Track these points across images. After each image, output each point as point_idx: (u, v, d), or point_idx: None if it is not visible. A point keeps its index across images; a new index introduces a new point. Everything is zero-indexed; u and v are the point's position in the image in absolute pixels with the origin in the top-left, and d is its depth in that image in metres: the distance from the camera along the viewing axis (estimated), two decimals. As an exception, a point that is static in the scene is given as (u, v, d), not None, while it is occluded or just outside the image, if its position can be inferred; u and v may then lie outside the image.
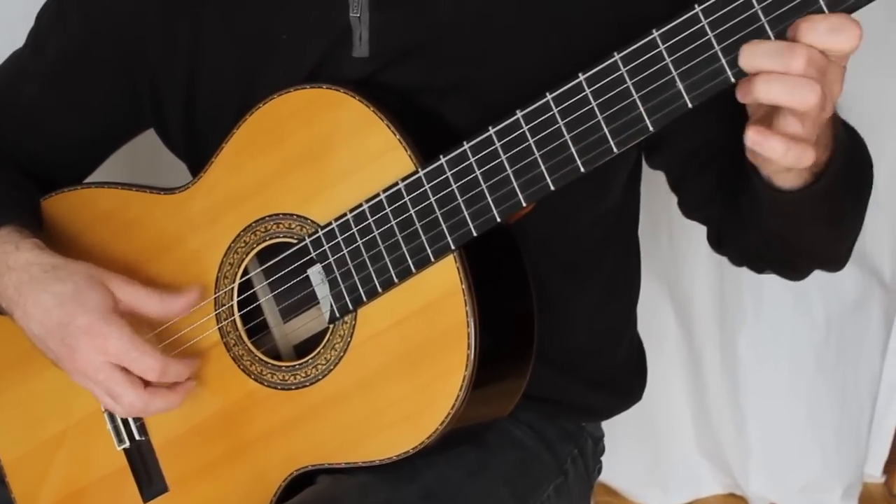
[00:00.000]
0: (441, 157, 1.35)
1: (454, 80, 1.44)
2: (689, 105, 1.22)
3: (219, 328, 1.53)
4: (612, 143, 1.26)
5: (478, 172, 1.33)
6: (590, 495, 1.79)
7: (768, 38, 1.17)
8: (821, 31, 1.14)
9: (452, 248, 1.36)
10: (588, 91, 1.26)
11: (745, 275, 1.58)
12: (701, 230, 1.59)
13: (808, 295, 2.47)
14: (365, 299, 1.42)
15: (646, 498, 2.72)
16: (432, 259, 1.37)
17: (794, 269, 1.53)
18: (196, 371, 1.53)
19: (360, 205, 1.40)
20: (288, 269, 1.48)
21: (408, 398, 1.40)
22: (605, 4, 1.41)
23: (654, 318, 2.45)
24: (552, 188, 1.31)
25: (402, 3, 1.44)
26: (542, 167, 1.30)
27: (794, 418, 2.58)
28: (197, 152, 1.57)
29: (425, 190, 1.36)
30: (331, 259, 1.43)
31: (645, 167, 1.62)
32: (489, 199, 1.33)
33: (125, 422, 1.60)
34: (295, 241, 1.46)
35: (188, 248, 1.54)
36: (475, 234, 1.35)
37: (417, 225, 1.37)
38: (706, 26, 1.19)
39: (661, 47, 1.22)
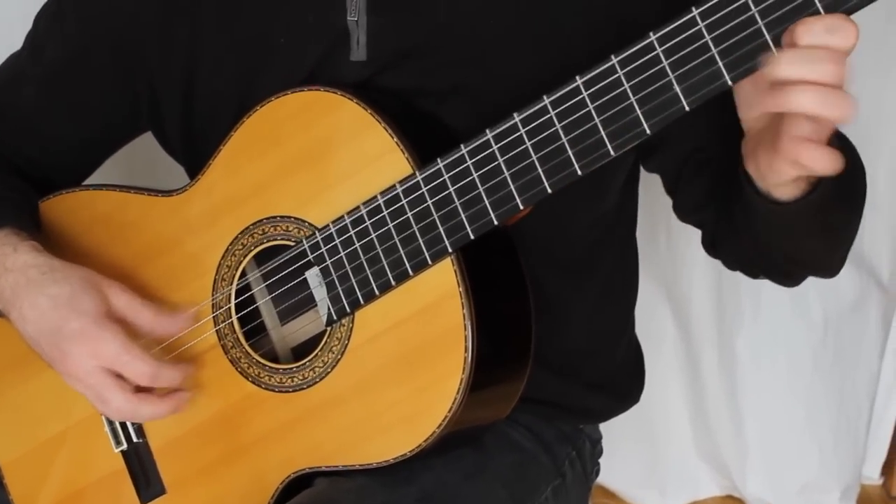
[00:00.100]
0: (438, 160, 1.35)
1: (451, 84, 1.44)
2: (687, 108, 1.22)
3: (216, 330, 1.53)
4: (609, 146, 1.26)
5: (475, 175, 1.33)
6: (588, 497, 1.79)
7: (765, 41, 1.17)
8: (818, 33, 1.14)
9: (450, 250, 1.36)
10: (585, 94, 1.26)
11: (743, 276, 1.58)
12: (698, 232, 1.59)
13: (806, 296, 2.47)
14: (362, 302, 1.42)
15: (644, 500, 2.72)
16: (430, 262, 1.37)
17: (788, 276, 1.53)
18: (191, 376, 1.53)
19: (358, 208, 1.40)
20: (286, 271, 1.48)
21: (405, 401, 1.40)
22: (602, 8, 1.41)
23: (652, 319, 2.46)
24: (549, 191, 1.31)
25: (399, 7, 1.44)
26: (539, 170, 1.30)
27: (792, 420, 2.58)
28: (195, 155, 1.57)
29: (423, 193, 1.36)
30: (328, 262, 1.43)
31: (642, 169, 1.62)
32: (486, 202, 1.33)
33: (123, 424, 1.60)
34: (292, 244, 1.46)
35: (186, 250, 1.54)
36: (472, 237, 1.35)
37: (415, 228, 1.37)
38: (703, 29, 1.19)
39: (659, 50, 1.22)
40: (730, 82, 1.19)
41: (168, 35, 1.54)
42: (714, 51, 1.19)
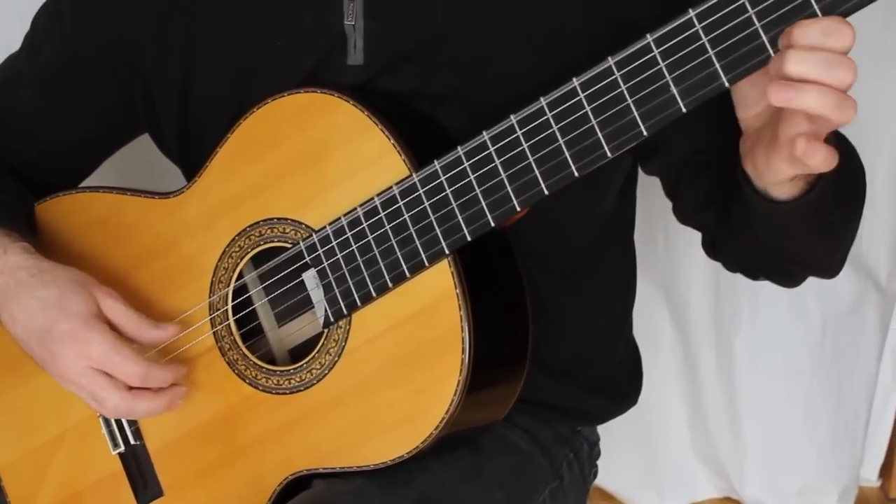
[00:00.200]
0: (435, 162, 1.35)
1: (448, 87, 1.44)
2: (684, 110, 1.22)
3: (213, 332, 1.53)
4: (606, 148, 1.26)
5: (472, 177, 1.33)
6: (585, 499, 1.79)
7: (762, 43, 1.17)
8: (814, 36, 1.14)
9: (447, 252, 1.36)
10: (582, 96, 1.26)
11: (741, 278, 1.58)
12: (697, 233, 1.59)
13: (803, 298, 2.47)
14: (359, 304, 1.42)
15: (642, 501, 2.71)
16: (427, 264, 1.37)
17: (788, 277, 1.53)
18: (183, 376, 1.53)
19: (355, 209, 1.40)
20: (283, 273, 1.48)
21: (402, 403, 1.40)
22: (600, 10, 1.41)
23: (650, 321, 2.45)
24: (546, 193, 1.31)
25: (396, 11, 1.44)
26: (536, 172, 1.30)
27: (790, 421, 2.58)
28: (191, 157, 1.57)
29: (419, 195, 1.36)
30: (325, 263, 1.43)
31: (640, 171, 1.62)
32: (483, 203, 1.33)
33: (120, 426, 1.60)
34: (289, 246, 1.46)
35: (183, 252, 1.54)
36: (469, 238, 1.35)
37: (412, 230, 1.37)
38: (700, 31, 1.19)
39: (655, 52, 1.21)
40: (727, 84, 1.19)
41: (165, 37, 1.54)
42: (711, 52, 1.19)
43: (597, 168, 1.28)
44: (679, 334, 2.57)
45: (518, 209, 1.32)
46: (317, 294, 1.46)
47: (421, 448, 1.39)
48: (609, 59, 1.24)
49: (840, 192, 1.32)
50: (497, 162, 1.32)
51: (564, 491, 1.68)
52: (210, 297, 1.53)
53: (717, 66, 1.19)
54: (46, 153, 1.67)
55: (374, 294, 1.41)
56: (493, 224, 1.34)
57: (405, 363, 1.40)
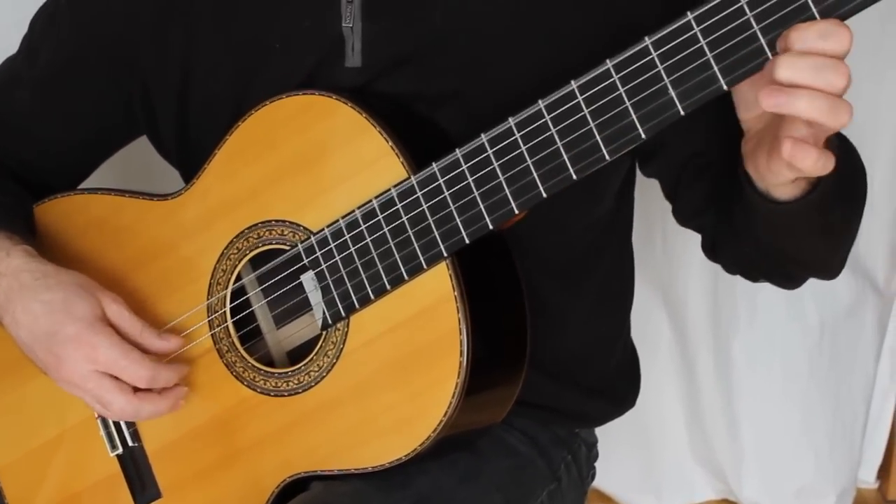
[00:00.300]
0: (433, 164, 1.35)
1: (447, 90, 1.44)
2: (682, 113, 1.22)
3: (211, 334, 1.53)
4: (604, 150, 1.26)
5: (470, 180, 1.33)
6: (584, 501, 1.79)
7: (760, 46, 1.17)
8: (811, 39, 1.14)
9: (445, 255, 1.36)
10: (580, 98, 1.26)
11: (739, 280, 1.58)
12: (695, 235, 1.59)
13: (801, 300, 2.47)
14: (357, 306, 1.42)
15: (639, 503, 2.72)
16: (425, 266, 1.37)
17: (789, 278, 1.53)
18: (187, 376, 1.53)
19: (353, 212, 1.40)
20: (281, 275, 1.48)
21: (400, 405, 1.40)
22: (597, 13, 1.41)
23: (647, 323, 2.45)
24: (544, 195, 1.31)
25: (394, 14, 1.44)
26: (535, 174, 1.30)
27: (788, 424, 2.58)
28: (190, 159, 1.56)
29: (418, 197, 1.36)
30: (323, 266, 1.43)
31: (639, 173, 1.62)
32: (481, 206, 1.33)
33: (118, 428, 1.60)
34: (287, 248, 1.46)
35: (181, 254, 1.54)
36: (468, 241, 1.35)
37: (410, 232, 1.37)
38: (698, 34, 1.19)
39: (654, 55, 1.21)
40: (725, 87, 1.19)
41: (163, 39, 1.54)
42: (709, 55, 1.19)
43: (595, 171, 1.28)
44: (677, 336, 2.57)
45: (516, 212, 1.32)
46: (315, 296, 1.46)
47: (419, 450, 1.39)
48: (607, 61, 1.24)
49: (841, 193, 1.32)
50: (495, 165, 1.32)
51: (562, 493, 1.68)
52: (208, 300, 1.52)
53: (716, 68, 1.19)
54: (44, 155, 1.67)
55: (372, 296, 1.41)
56: (491, 227, 1.34)
57: (403, 366, 1.40)
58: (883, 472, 2.74)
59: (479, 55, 1.43)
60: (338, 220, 1.42)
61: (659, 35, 1.21)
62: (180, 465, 1.58)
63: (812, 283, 1.56)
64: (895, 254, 2.47)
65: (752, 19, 1.17)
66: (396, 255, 1.38)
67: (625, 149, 1.26)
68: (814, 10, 1.14)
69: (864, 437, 2.63)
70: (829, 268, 1.51)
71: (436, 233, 1.36)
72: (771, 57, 1.16)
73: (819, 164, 1.19)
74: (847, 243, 1.47)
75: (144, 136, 1.67)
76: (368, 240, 1.40)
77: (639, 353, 1.80)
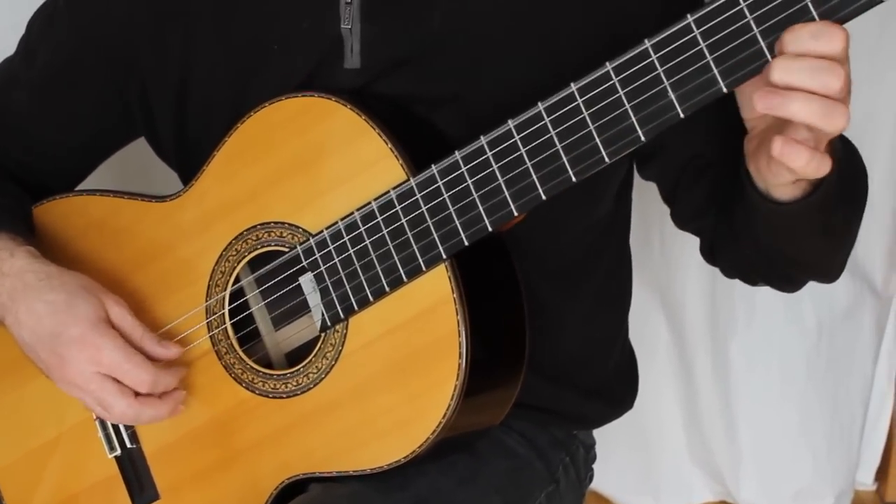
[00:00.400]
0: (433, 166, 1.35)
1: (446, 92, 1.44)
2: (682, 115, 1.22)
3: (210, 336, 1.53)
4: (604, 153, 1.26)
5: (469, 182, 1.33)
6: (582, 503, 1.79)
7: (760, 49, 1.17)
8: (804, 40, 1.14)
9: (444, 257, 1.36)
10: (580, 101, 1.26)
11: (738, 282, 1.58)
12: (693, 237, 1.59)
13: (799, 302, 2.47)
14: (356, 308, 1.42)
15: (637, 505, 2.72)
16: (424, 268, 1.37)
17: (789, 281, 1.53)
18: (185, 382, 1.53)
19: (352, 214, 1.40)
20: (280, 277, 1.48)
21: (399, 407, 1.40)
22: (596, 16, 1.41)
23: (645, 325, 2.46)
24: (544, 198, 1.31)
25: (393, 15, 1.44)
26: (534, 177, 1.30)
27: (786, 425, 2.58)
28: (188, 160, 1.56)
29: (417, 199, 1.36)
30: (322, 268, 1.43)
31: (636, 175, 1.62)
32: (481, 208, 1.33)
33: (116, 429, 1.59)
34: (286, 250, 1.46)
35: (179, 256, 1.54)
36: (467, 243, 1.35)
37: (409, 234, 1.37)
38: (698, 36, 1.19)
39: (653, 57, 1.22)
40: (724, 89, 1.19)
41: (161, 41, 1.54)
42: (709, 58, 1.19)
43: (594, 173, 1.28)
44: (675, 338, 2.57)
45: (515, 214, 1.32)
46: (314, 298, 1.46)
47: (418, 452, 1.39)
48: (607, 64, 1.24)
49: (843, 195, 1.32)
50: (494, 167, 1.32)
51: (561, 495, 1.68)
52: (207, 301, 1.52)
53: (715, 71, 1.19)
54: (42, 156, 1.67)
55: (371, 298, 1.41)
56: (490, 229, 1.34)
57: (402, 367, 1.40)
58: (881, 474, 2.74)
59: (478, 57, 1.43)
60: (337, 222, 1.42)
61: (659, 37, 1.21)
62: (179, 467, 1.58)
63: (810, 286, 1.56)
64: (893, 256, 2.47)
65: (752, 22, 1.17)
66: (395, 257, 1.38)
67: (624, 151, 1.26)
68: (814, 12, 1.15)
69: (861, 439, 2.63)
70: (830, 271, 1.51)
71: (435, 235, 1.36)
72: (771, 60, 1.17)
73: (812, 165, 1.19)
74: (847, 246, 1.47)
75: (143, 138, 1.66)
76: (367, 242, 1.40)
77: (637, 355, 1.80)
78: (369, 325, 1.42)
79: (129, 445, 1.59)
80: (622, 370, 1.76)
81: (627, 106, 1.24)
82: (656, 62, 1.21)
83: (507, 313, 1.44)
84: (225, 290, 1.51)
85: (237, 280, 1.51)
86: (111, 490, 1.62)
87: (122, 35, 1.56)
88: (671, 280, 2.51)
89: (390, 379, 1.41)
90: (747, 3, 1.17)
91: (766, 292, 1.58)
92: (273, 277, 1.49)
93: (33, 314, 1.49)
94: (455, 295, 1.36)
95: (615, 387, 1.74)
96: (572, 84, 1.26)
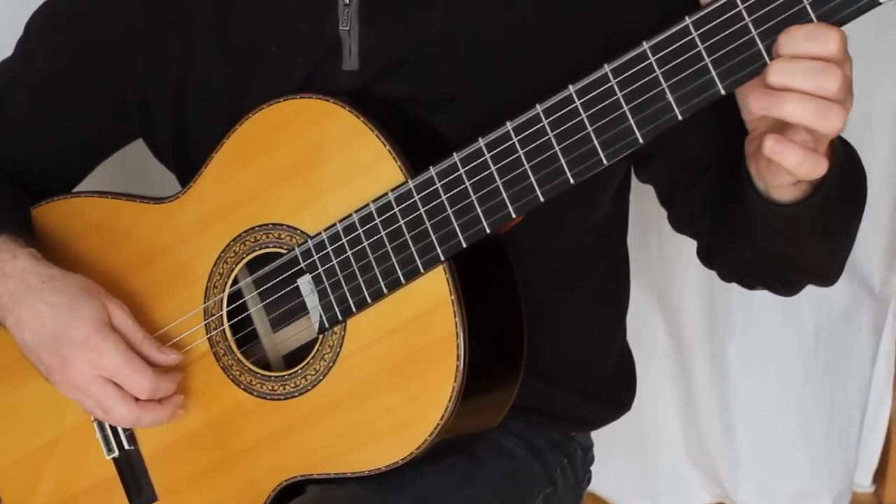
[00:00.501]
0: (431, 168, 1.35)
1: (444, 94, 1.44)
2: (680, 117, 1.22)
3: (208, 338, 1.53)
4: (601, 155, 1.26)
5: (467, 184, 1.33)
6: (579, 505, 1.79)
7: (758, 51, 1.17)
8: (798, 41, 1.14)
9: (442, 259, 1.36)
10: (578, 103, 1.26)
11: (735, 284, 1.58)
12: (691, 239, 1.59)
13: (797, 304, 2.47)
14: (354, 310, 1.42)
15: (635, 507, 2.72)
16: (422, 270, 1.37)
17: (787, 284, 1.52)
18: (185, 381, 1.53)
19: (350, 215, 1.40)
20: (278, 279, 1.48)
21: (397, 409, 1.40)
22: (594, 18, 1.41)
23: (643, 327, 2.45)
24: (542, 200, 1.31)
25: (391, 17, 1.44)
26: (532, 179, 1.30)
27: (784, 427, 2.58)
28: (186, 162, 1.56)
29: (415, 201, 1.36)
30: (320, 269, 1.43)
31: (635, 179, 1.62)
32: (479, 210, 1.33)
33: (114, 431, 1.59)
34: (284, 252, 1.46)
35: (178, 257, 1.54)
36: (465, 245, 1.35)
37: (407, 236, 1.37)
38: (696, 38, 1.19)
39: (652, 59, 1.22)
40: (722, 92, 1.19)
41: (159, 43, 1.54)
42: (707, 60, 1.19)
43: (592, 175, 1.28)
44: (673, 340, 2.57)
45: (513, 216, 1.32)
46: (311, 300, 1.46)
47: (415, 454, 1.39)
48: (605, 66, 1.24)
49: (843, 197, 1.32)
50: (493, 169, 1.32)
51: (558, 497, 1.68)
52: (205, 303, 1.52)
53: (714, 73, 1.19)
54: (40, 158, 1.67)
55: (368, 300, 1.41)
56: (488, 231, 1.34)
57: (400, 369, 1.40)
58: (879, 476, 2.74)
59: (476, 59, 1.43)
60: (335, 224, 1.42)
61: (657, 40, 1.21)
62: (176, 469, 1.58)
63: (808, 288, 1.55)
64: (891, 258, 2.47)
65: (749, 24, 1.17)
66: (393, 259, 1.38)
67: (622, 153, 1.26)
68: (812, 14, 1.15)
69: (860, 441, 2.63)
70: (828, 274, 1.51)
71: (433, 236, 1.36)
72: (769, 62, 1.17)
73: (805, 165, 1.19)
74: (846, 248, 1.47)
75: (141, 140, 1.66)
76: (365, 244, 1.40)
77: (635, 357, 1.80)
78: (367, 326, 1.42)
79: (127, 447, 1.59)
80: (620, 372, 1.76)
81: (625, 108, 1.24)
82: (654, 64, 1.21)
83: (505, 315, 1.44)
84: (223, 291, 1.51)
85: (235, 282, 1.51)
86: (109, 491, 1.61)
87: (120, 37, 1.56)
88: (669, 282, 2.51)
89: (388, 381, 1.41)
90: (746, 5, 1.17)
91: (763, 295, 1.58)
92: (271, 279, 1.49)
93: (36, 316, 1.49)
94: (453, 297, 1.36)
95: (613, 389, 1.74)
96: (570, 86, 1.26)
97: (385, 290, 1.39)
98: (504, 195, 1.32)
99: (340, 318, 1.43)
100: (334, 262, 1.42)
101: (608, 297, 1.70)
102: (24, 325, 1.50)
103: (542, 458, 1.67)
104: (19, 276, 1.51)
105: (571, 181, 1.29)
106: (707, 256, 1.56)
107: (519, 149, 1.30)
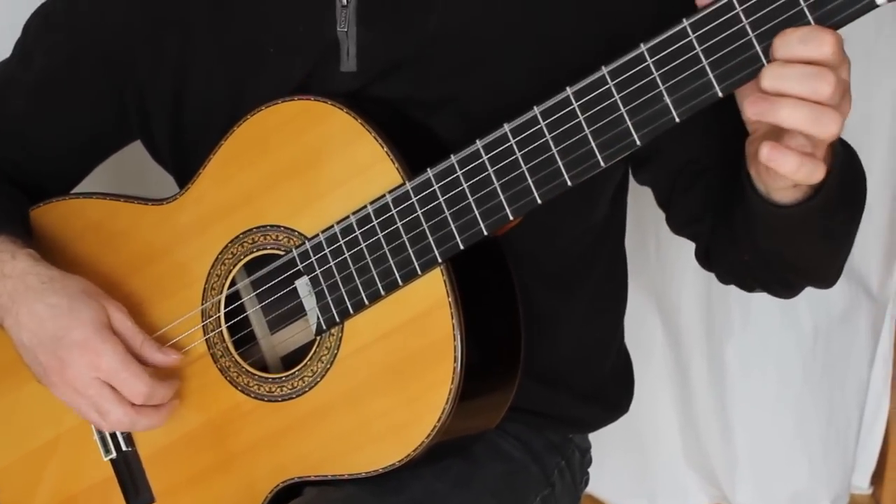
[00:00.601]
0: (428, 170, 1.35)
1: (442, 95, 1.44)
2: (677, 119, 1.22)
3: (206, 339, 1.53)
4: (599, 157, 1.26)
5: (465, 186, 1.33)
6: (577, 507, 1.79)
7: (756, 53, 1.17)
8: (793, 44, 1.14)
9: (439, 260, 1.36)
10: (575, 105, 1.26)
11: (733, 286, 1.58)
12: (689, 241, 1.59)
13: (795, 306, 2.47)
14: (352, 311, 1.42)
15: (633, 509, 2.72)
16: (419, 272, 1.37)
17: (786, 286, 1.52)
18: (181, 385, 1.52)
19: (348, 217, 1.40)
20: (275, 280, 1.48)
21: (394, 411, 1.40)
22: (592, 20, 1.41)
23: (641, 329, 2.45)
24: (539, 202, 1.31)
25: (389, 19, 1.44)
26: (530, 181, 1.30)
27: (782, 429, 2.57)
28: (184, 164, 1.56)
29: (412, 203, 1.36)
30: (318, 271, 1.43)
31: (631, 179, 1.62)
32: (476, 212, 1.33)
33: (112, 432, 1.59)
34: (282, 253, 1.46)
35: (176, 259, 1.54)
36: (462, 247, 1.35)
37: (404, 238, 1.37)
38: (694, 41, 1.19)
39: (649, 61, 1.22)
40: (720, 94, 1.19)
41: (158, 46, 1.54)
42: (705, 62, 1.19)
43: (589, 177, 1.28)
44: (671, 342, 2.57)
45: (511, 218, 1.32)
46: (309, 301, 1.46)
47: (413, 456, 1.39)
48: (603, 68, 1.24)
49: (843, 198, 1.32)
50: (490, 170, 1.32)
51: (556, 498, 1.68)
52: (202, 304, 1.52)
53: (711, 76, 1.19)
54: (39, 158, 1.67)
55: (366, 302, 1.41)
56: (486, 232, 1.34)
57: (397, 371, 1.40)
58: (877, 478, 2.74)
59: (474, 60, 1.43)
60: (332, 226, 1.42)
61: (654, 42, 1.21)
62: (174, 470, 1.58)
63: (806, 289, 1.55)
64: (889, 260, 2.47)
65: (747, 26, 1.17)
66: (391, 261, 1.38)
67: (620, 155, 1.26)
68: (809, 17, 1.15)
69: (857, 443, 2.63)
70: (827, 275, 1.51)
71: (430, 238, 1.36)
72: (766, 64, 1.17)
73: (802, 171, 1.19)
74: (845, 250, 1.47)
75: (139, 141, 1.66)
76: (363, 245, 1.40)
77: (632, 359, 1.80)
78: (364, 328, 1.42)
79: (124, 448, 1.59)
80: (618, 374, 1.76)
81: (623, 110, 1.24)
82: (652, 66, 1.21)
83: (503, 317, 1.44)
84: (221, 293, 1.51)
85: (233, 283, 1.51)
86: (107, 493, 1.61)
87: (119, 39, 1.56)
88: (667, 284, 2.51)
89: (385, 382, 1.41)
90: (743, 7, 1.17)
91: (761, 296, 1.58)
92: (269, 281, 1.49)
93: (35, 316, 1.49)
94: (450, 299, 1.36)
95: (611, 390, 1.74)
96: (568, 88, 1.26)
97: (383, 292, 1.39)
98: (501, 197, 1.32)
99: (338, 319, 1.43)
100: (332, 263, 1.42)
101: (606, 298, 1.70)
102: (23, 326, 1.50)
103: (540, 459, 1.67)
104: (18, 276, 1.51)
105: (569, 183, 1.29)
106: (705, 258, 1.56)
107: (516, 150, 1.30)
